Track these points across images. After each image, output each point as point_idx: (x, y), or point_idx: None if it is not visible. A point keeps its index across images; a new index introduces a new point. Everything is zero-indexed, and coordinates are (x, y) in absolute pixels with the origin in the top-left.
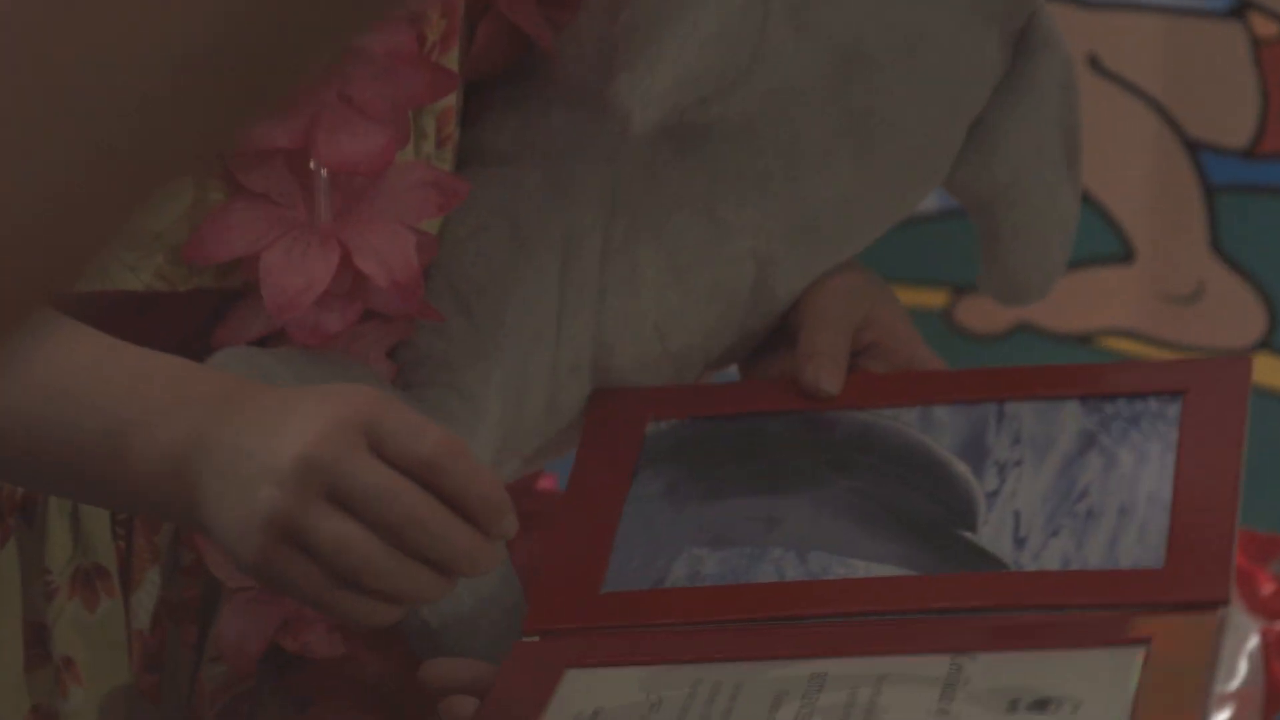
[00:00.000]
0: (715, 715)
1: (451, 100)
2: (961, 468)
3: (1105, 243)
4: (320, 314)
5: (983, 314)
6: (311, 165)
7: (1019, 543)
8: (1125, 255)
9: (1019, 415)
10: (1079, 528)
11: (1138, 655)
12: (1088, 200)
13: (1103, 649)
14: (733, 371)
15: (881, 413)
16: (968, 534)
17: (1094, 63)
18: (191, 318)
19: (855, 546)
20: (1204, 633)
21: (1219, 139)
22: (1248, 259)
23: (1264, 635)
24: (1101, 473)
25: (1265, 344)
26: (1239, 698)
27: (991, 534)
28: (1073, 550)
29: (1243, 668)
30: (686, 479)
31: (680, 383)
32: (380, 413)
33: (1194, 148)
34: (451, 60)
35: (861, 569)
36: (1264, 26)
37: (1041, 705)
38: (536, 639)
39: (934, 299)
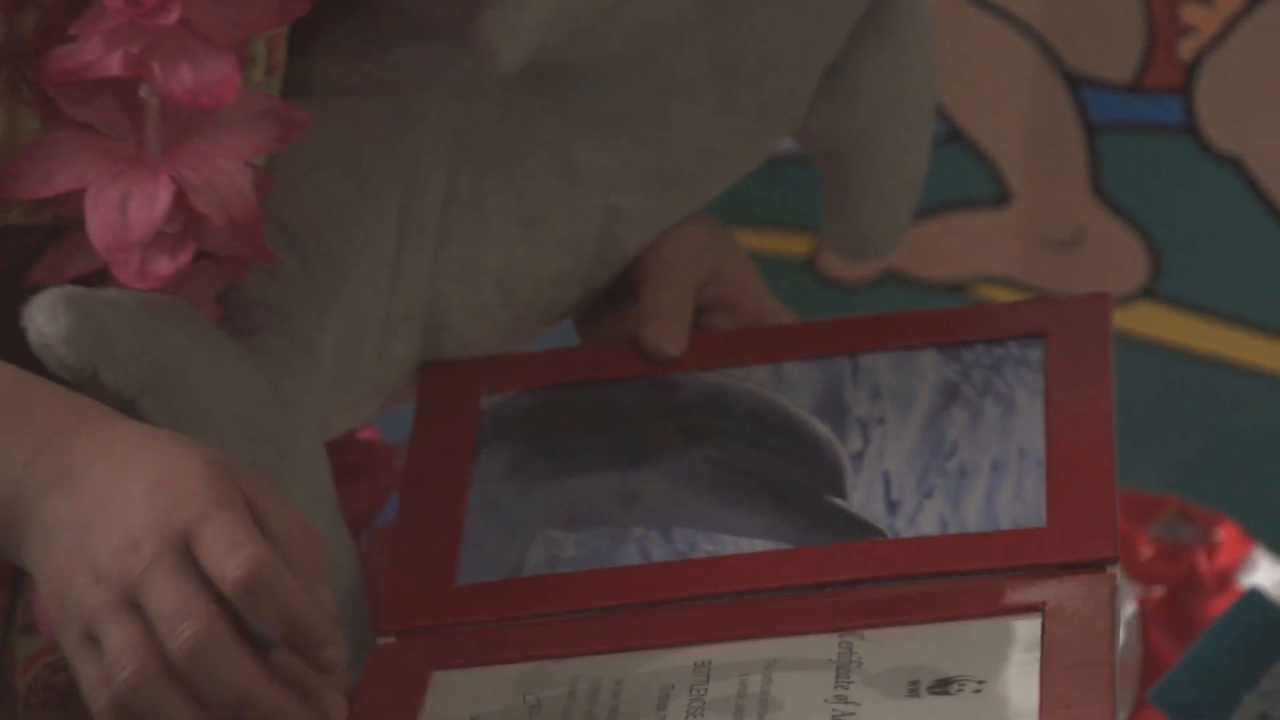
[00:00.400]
0: (600, 715)
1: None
2: (822, 428)
3: (979, 185)
4: (150, 255)
5: (839, 262)
6: (143, 94)
7: (892, 507)
8: (1001, 198)
9: (875, 368)
10: (952, 487)
11: (1034, 624)
12: (961, 140)
13: (996, 619)
14: (567, 328)
15: (731, 373)
16: (838, 501)
17: None
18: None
19: (721, 521)
20: (1098, 596)
21: (1101, 72)
22: (1130, 201)
23: (1141, 603)
24: (969, 426)
25: (1149, 291)
26: None
27: (862, 499)
28: (949, 512)
29: (1119, 636)
30: (531, 456)
31: (518, 337)
32: (203, 520)
33: (1074, 82)
34: None
35: (730, 545)
36: None
37: (943, 686)
38: (393, 640)
39: (795, 245)
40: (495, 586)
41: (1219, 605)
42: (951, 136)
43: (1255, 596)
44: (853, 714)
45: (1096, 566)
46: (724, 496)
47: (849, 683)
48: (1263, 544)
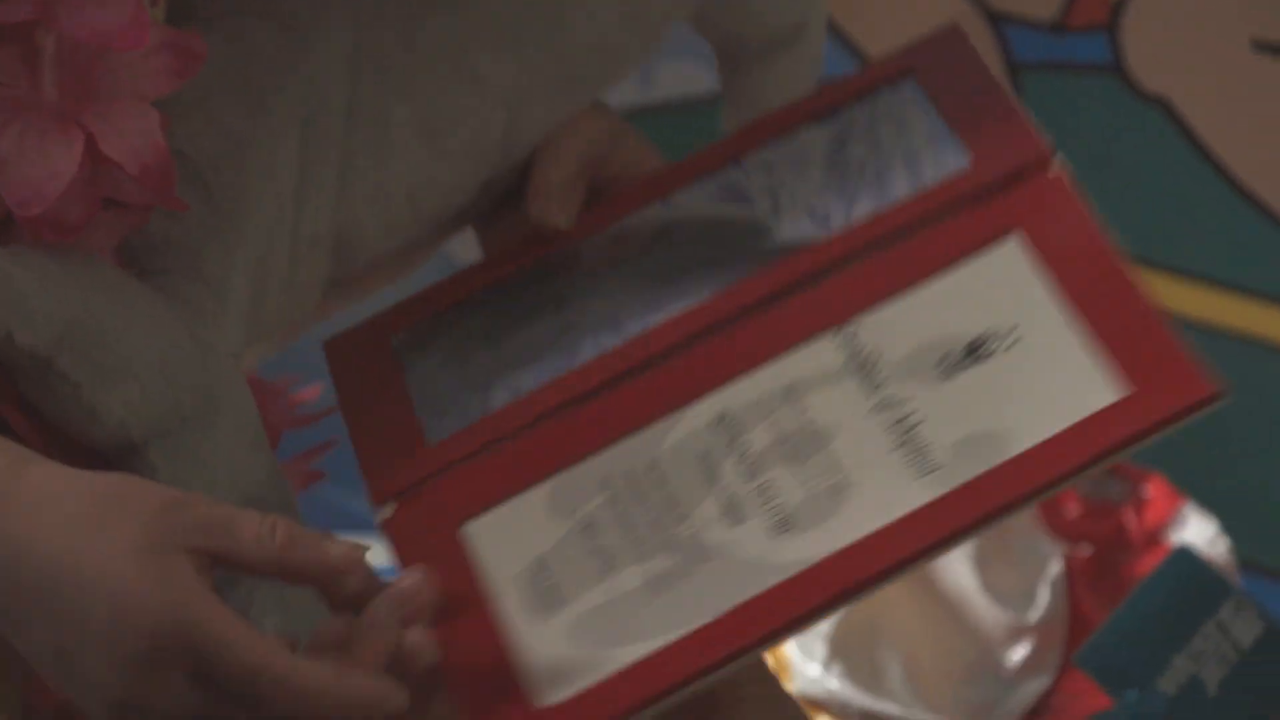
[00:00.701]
0: (657, 507)
1: None
2: (729, 208)
3: None
4: (62, 206)
5: None
6: (37, 38)
7: (822, 220)
8: None
9: (761, 159)
10: (875, 184)
11: (1019, 247)
12: None
13: (978, 256)
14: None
15: (623, 222)
16: (767, 240)
17: None
18: None
19: (666, 296)
20: (1060, 196)
21: (1025, 10)
22: (1056, 142)
23: (1069, 562)
24: (871, 149)
25: None
26: (1039, 631)
27: (790, 226)
28: (879, 198)
29: (1044, 597)
30: (459, 346)
31: (423, 248)
32: (194, 637)
33: (997, 21)
34: None
35: (684, 309)
36: None
37: (974, 350)
38: (393, 506)
39: None
40: (470, 429)
41: (1148, 564)
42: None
43: (1185, 555)
44: (910, 413)
45: (1037, 164)
46: (660, 282)
47: (880, 381)
48: (1193, 499)
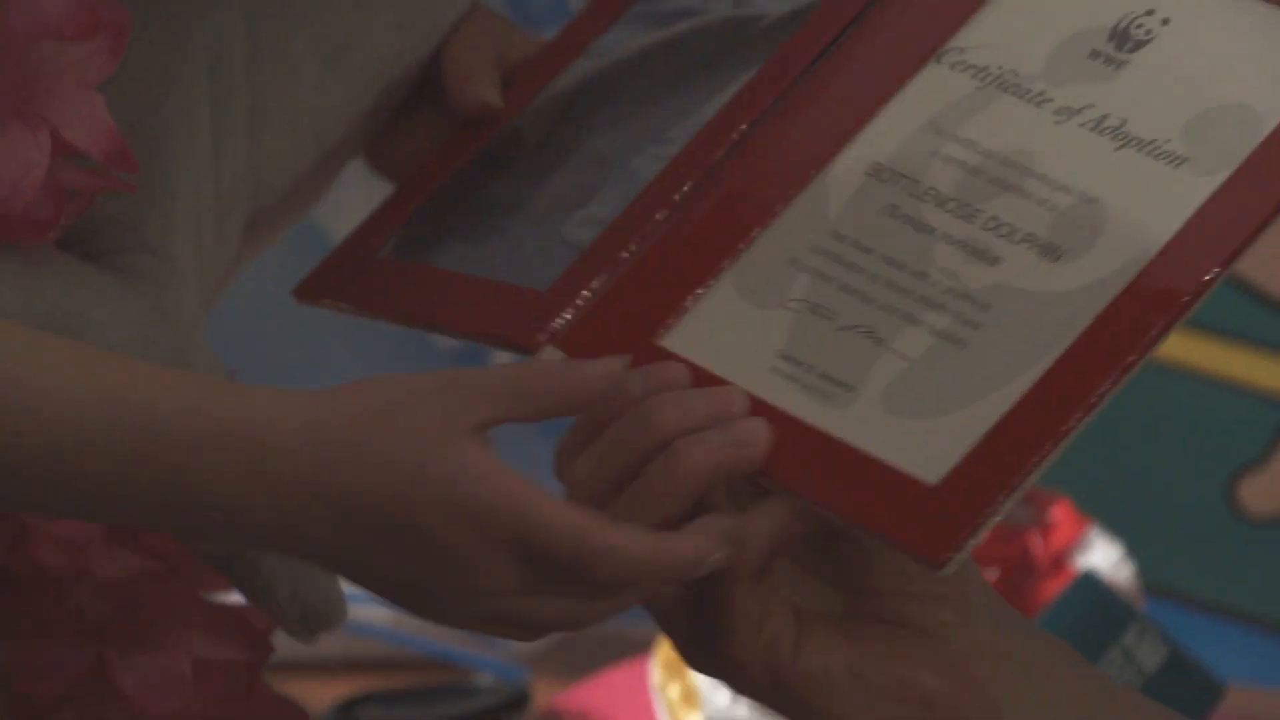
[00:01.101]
0: (883, 270)
1: None
2: (680, 26)
3: None
4: (34, 204)
5: None
6: None
7: None
8: None
9: None
10: None
11: None
12: None
13: None
14: None
15: (554, 84)
16: (761, 23)
17: None
18: None
19: (696, 97)
20: None
21: None
22: None
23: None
24: None
25: None
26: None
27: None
28: None
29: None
30: (481, 222)
31: (330, 177)
32: (519, 519)
33: None
34: None
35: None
36: None
37: (1123, 37)
38: (558, 354)
39: None
40: (585, 260)
41: (1053, 588)
42: None
43: (1089, 580)
44: (1106, 114)
45: None
46: (675, 92)
47: (1040, 91)
48: (1098, 523)
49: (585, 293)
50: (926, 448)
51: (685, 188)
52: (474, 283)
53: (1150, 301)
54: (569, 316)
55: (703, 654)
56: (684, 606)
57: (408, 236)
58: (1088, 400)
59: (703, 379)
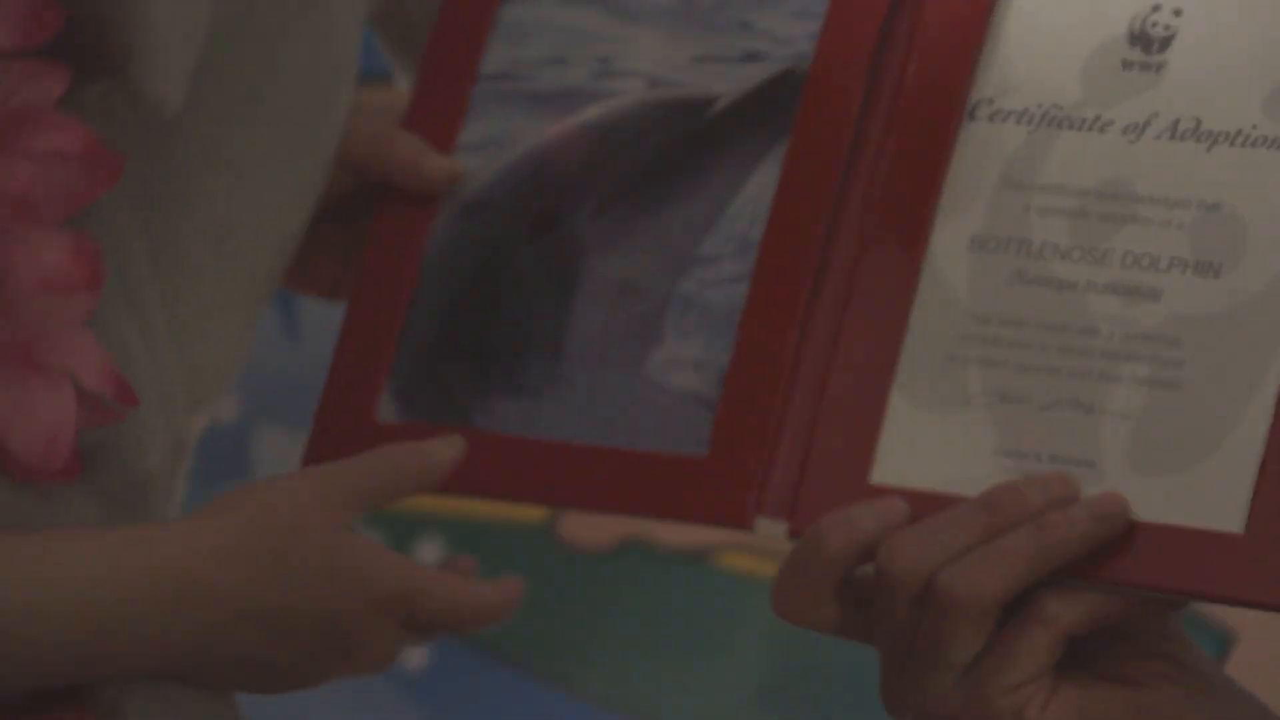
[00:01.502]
0: (1051, 343)
1: None
2: (593, 109)
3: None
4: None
5: (588, 527)
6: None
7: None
8: None
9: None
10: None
11: None
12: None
13: None
14: None
15: (460, 191)
16: (711, 109)
17: None
18: None
19: (708, 196)
20: None
21: None
22: None
23: None
24: None
25: None
26: None
27: (707, 82)
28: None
29: None
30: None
31: (250, 332)
32: (404, 597)
33: None
34: None
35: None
36: None
37: (1145, 40)
38: (784, 527)
39: (533, 513)
40: (735, 384)
41: None
42: None
43: None
44: (1178, 118)
45: None
46: (661, 194)
47: (1087, 116)
48: None
49: (758, 452)
50: (1210, 499)
51: (796, 317)
52: (591, 452)
53: None
54: (763, 482)
55: (917, 688)
56: (975, 637)
57: (409, 392)
58: None
59: (937, 502)
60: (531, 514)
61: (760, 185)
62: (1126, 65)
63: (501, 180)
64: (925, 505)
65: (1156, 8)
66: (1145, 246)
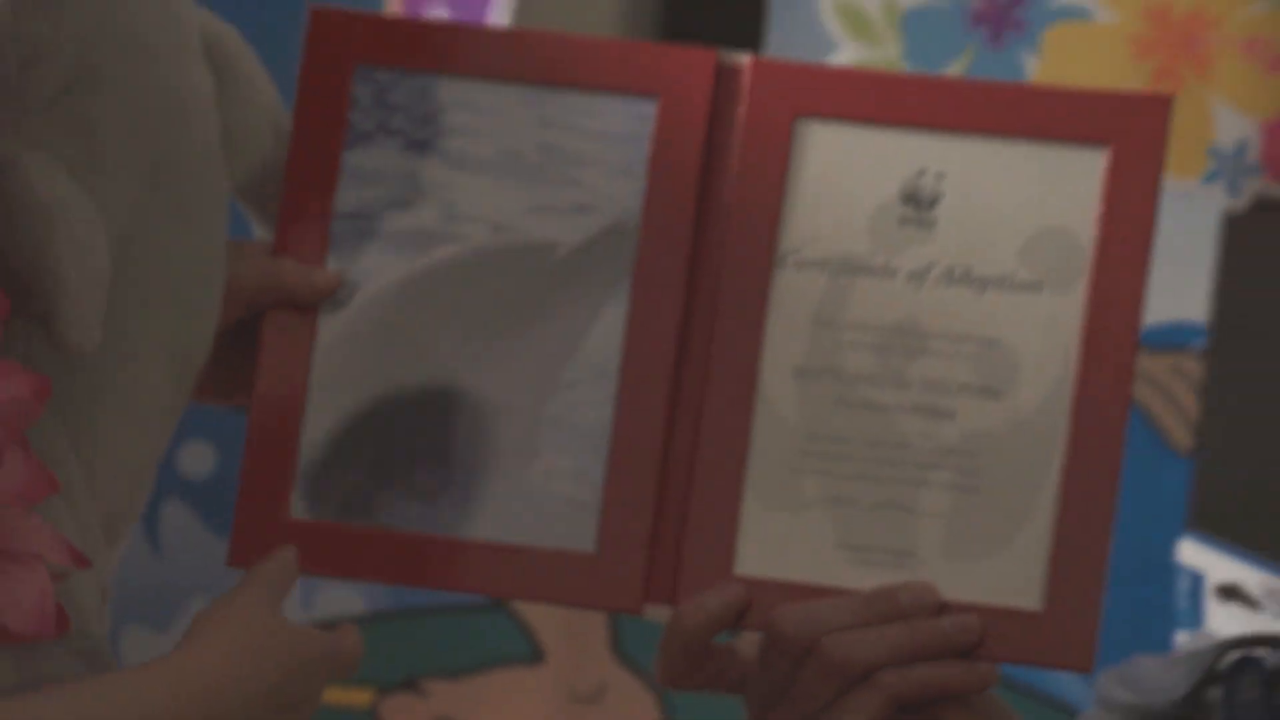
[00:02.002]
0: (875, 456)
1: None
2: (443, 252)
3: (517, 645)
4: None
5: (408, 712)
6: None
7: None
8: (535, 656)
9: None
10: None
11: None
12: (504, 608)
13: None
14: None
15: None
16: (556, 251)
17: None
18: None
19: (561, 329)
20: None
21: None
22: (645, 660)
23: None
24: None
25: None
26: None
27: (551, 230)
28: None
29: None
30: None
31: (155, 465)
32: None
33: None
34: None
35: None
36: None
37: (914, 198)
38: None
39: (359, 698)
40: (612, 490)
41: None
42: (496, 604)
43: None
44: (953, 265)
45: None
46: (518, 325)
47: (880, 264)
48: None
49: (641, 550)
50: (1011, 582)
51: (659, 434)
52: (490, 547)
53: (1101, 407)
54: (648, 575)
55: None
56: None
57: (316, 492)
58: (1111, 490)
59: (795, 591)
60: (357, 698)
61: (610, 322)
62: (903, 221)
63: (369, 310)
64: (786, 592)
65: (922, 173)
66: (939, 374)
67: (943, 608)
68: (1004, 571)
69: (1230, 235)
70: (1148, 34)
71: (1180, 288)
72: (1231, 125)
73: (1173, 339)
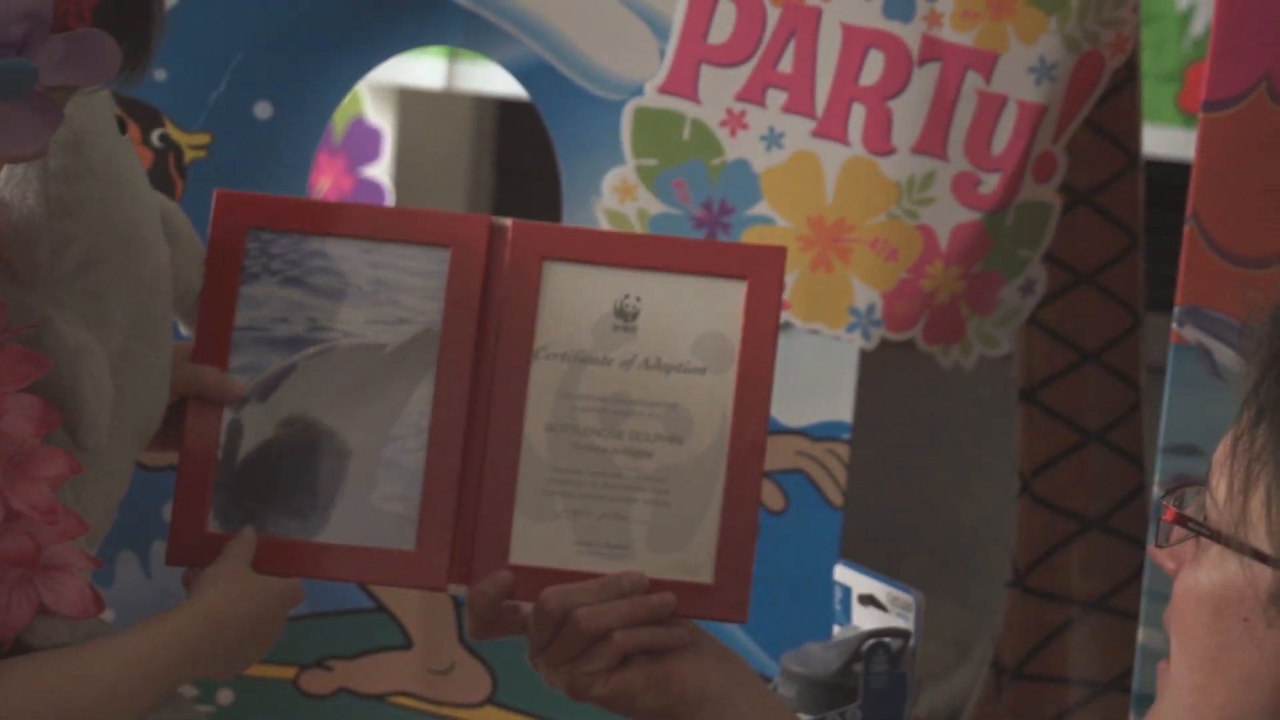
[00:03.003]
0: (602, 484)
1: None
2: (313, 349)
3: (393, 636)
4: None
5: (320, 683)
6: None
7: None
8: (406, 643)
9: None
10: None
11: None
12: (385, 611)
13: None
14: None
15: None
16: (386, 350)
17: None
18: None
19: (391, 399)
20: None
21: None
22: (480, 646)
23: None
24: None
25: (490, 699)
26: None
27: (385, 332)
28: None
29: None
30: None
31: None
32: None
33: None
34: None
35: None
36: None
37: (621, 311)
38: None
39: (285, 672)
40: (427, 506)
41: None
42: (379, 608)
43: None
44: (656, 363)
45: None
46: (362, 396)
47: (608, 356)
48: None
49: (445, 548)
50: (694, 564)
51: (456, 471)
52: (343, 549)
53: (747, 448)
54: (450, 565)
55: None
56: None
57: (225, 512)
58: (754, 503)
59: (549, 575)
60: (281, 671)
61: (422, 396)
62: (616, 328)
63: (260, 391)
64: (543, 576)
65: (627, 296)
66: (641, 428)
67: (651, 587)
68: (688, 559)
69: (864, 365)
70: (809, 234)
71: (834, 398)
72: (864, 294)
73: (828, 431)
